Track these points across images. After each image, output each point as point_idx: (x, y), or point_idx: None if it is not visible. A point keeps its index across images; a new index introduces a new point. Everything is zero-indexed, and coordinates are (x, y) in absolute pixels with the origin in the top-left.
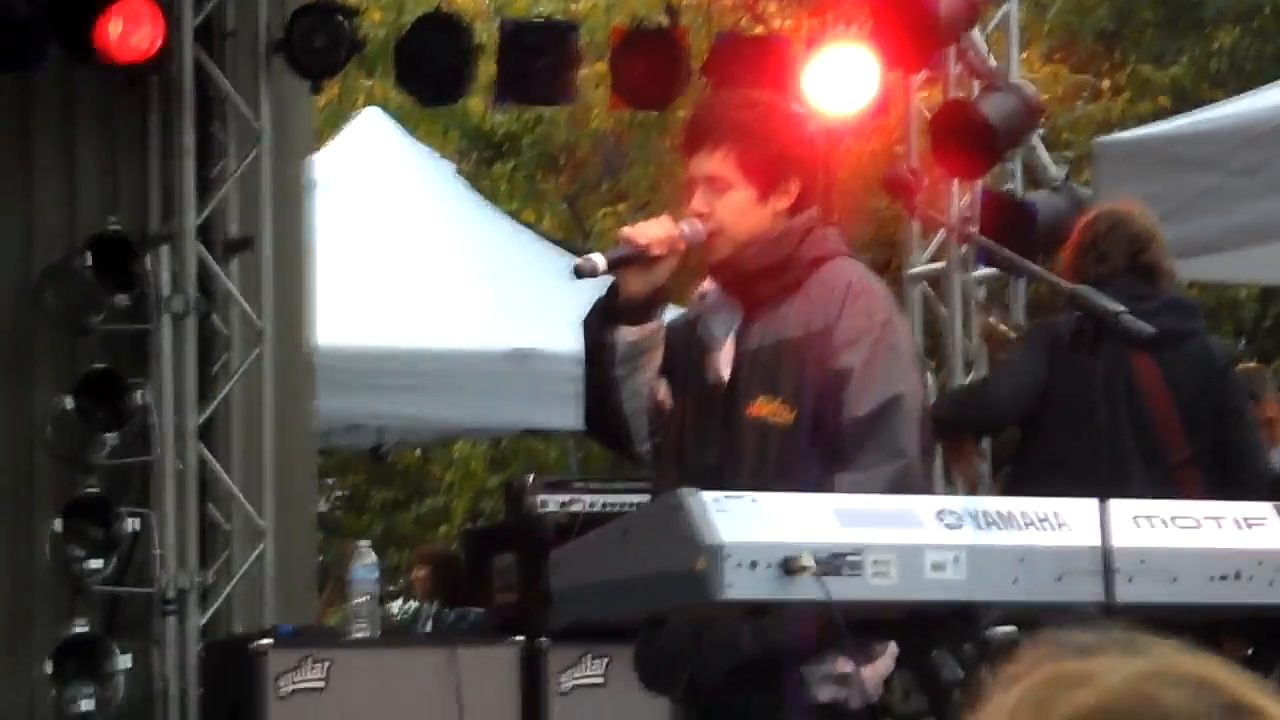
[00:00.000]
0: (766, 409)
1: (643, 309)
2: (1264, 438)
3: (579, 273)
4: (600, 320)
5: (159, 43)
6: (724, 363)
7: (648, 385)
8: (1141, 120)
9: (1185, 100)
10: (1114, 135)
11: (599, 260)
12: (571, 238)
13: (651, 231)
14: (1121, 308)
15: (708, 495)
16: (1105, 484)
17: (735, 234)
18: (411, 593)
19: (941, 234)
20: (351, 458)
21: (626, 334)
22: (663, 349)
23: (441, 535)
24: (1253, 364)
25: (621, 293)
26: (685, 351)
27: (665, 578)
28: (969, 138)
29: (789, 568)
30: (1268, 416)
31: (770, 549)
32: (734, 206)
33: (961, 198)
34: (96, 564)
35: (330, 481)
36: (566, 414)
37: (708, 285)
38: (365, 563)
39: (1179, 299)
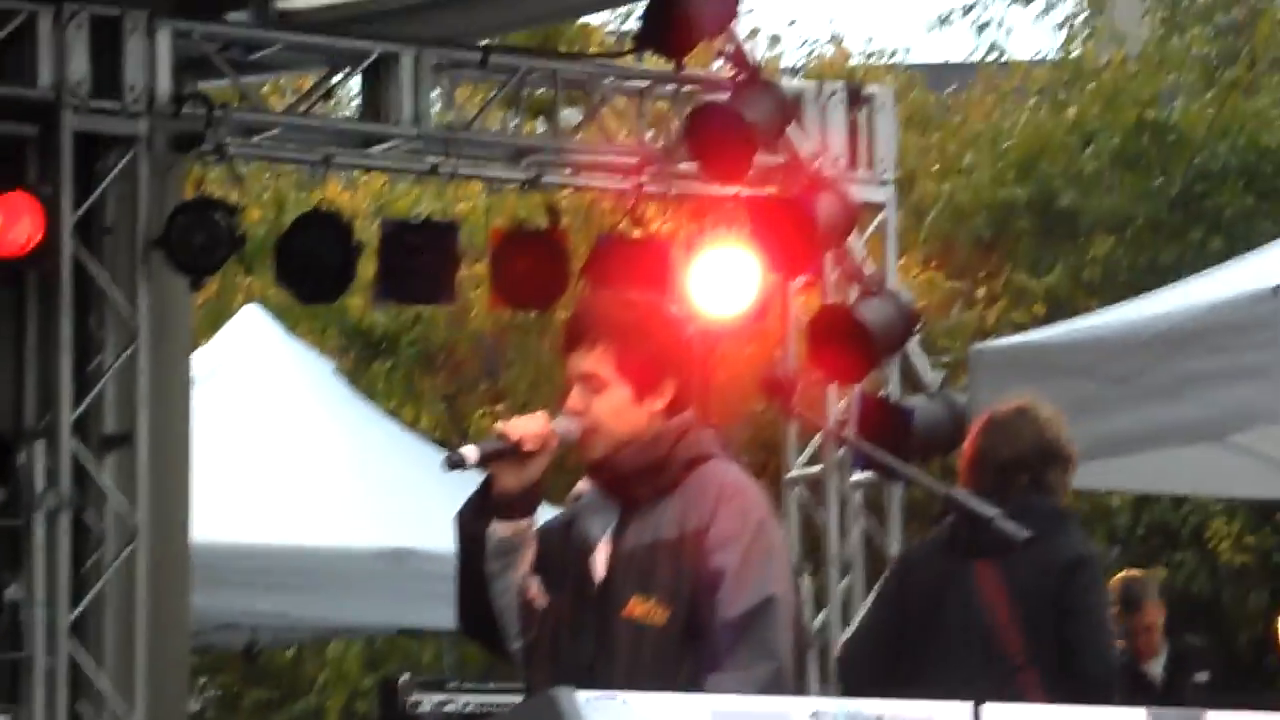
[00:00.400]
0: (640, 609)
1: (516, 505)
2: (1144, 644)
3: (450, 464)
4: (473, 515)
5: (38, 237)
6: (600, 562)
7: (519, 582)
8: (1017, 328)
9: (1060, 309)
10: (990, 341)
11: (470, 453)
12: (449, 437)
13: (525, 427)
14: (995, 511)
15: (580, 695)
16: (958, 687)
17: (610, 432)
18: None
19: (819, 438)
20: (225, 656)
21: (499, 529)
22: (535, 546)
23: None
24: (1136, 571)
25: (495, 488)
26: (561, 551)
27: None
28: (847, 342)
29: None
30: (1147, 624)
31: None
32: (610, 405)
33: (839, 401)
34: None
35: (202, 680)
36: (443, 613)
37: (584, 485)
38: None
39: (1026, 502)
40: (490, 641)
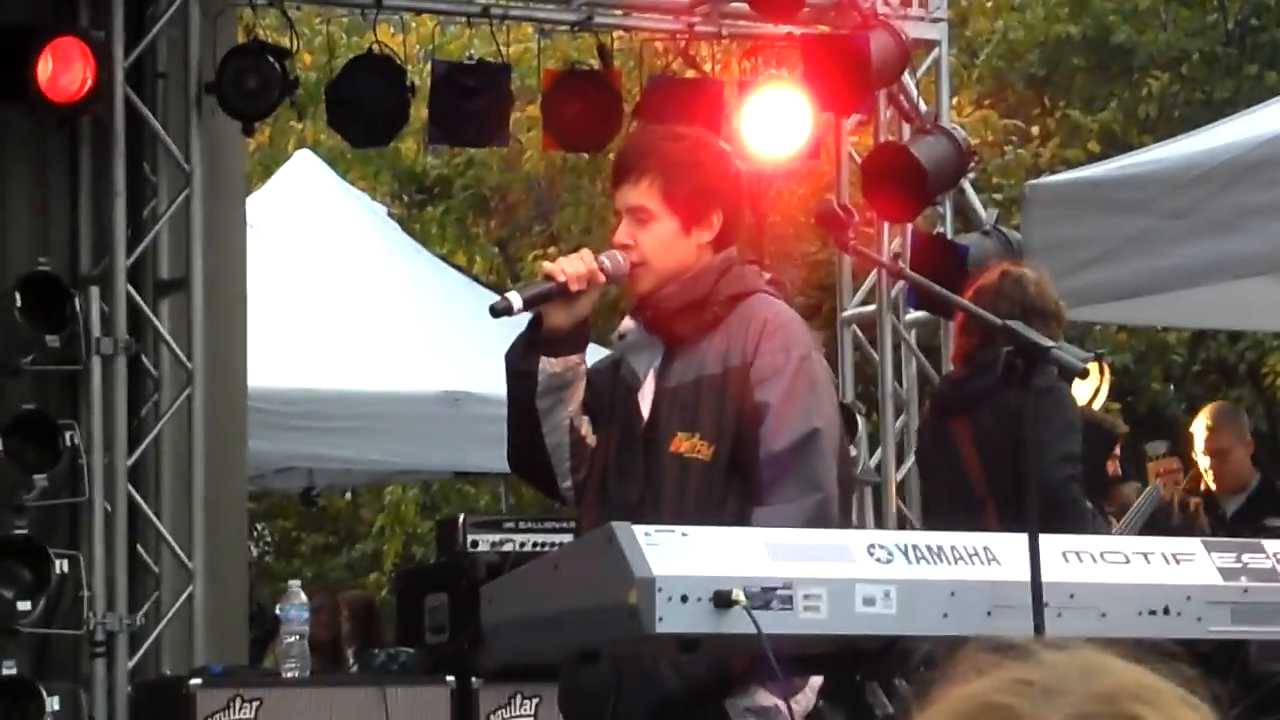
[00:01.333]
0: (685, 445)
1: (566, 341)
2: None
3: (495, 312)
4: (523, 351)
5: (90, 83)
6: (645, 400)
7: (569, 419)
8: (1071, 165)
9: (1115, 146)
10: (1044, 179)
11: (515, 299)
12: (503, 281)
13: (571, 267)
14: (1051, 342)
15: (638, 529)
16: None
17: (658, 266)
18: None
19: (873, 278)
20: (281, 502)
21: (548, 365)
22: (584, 384)
23: (372, 582)
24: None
25: (544, 325)
26: (609, 391)
27: (597, 612)
28: (900, 181)
29: (720, 601)
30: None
31: (702, 583)
32: (657, 237)
33: (892, 240)
34: (25, 605)
35: (260, 526)
36: (499, 457)
37: (627, 324)
38: (295, 603)
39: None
40: (542, 480)
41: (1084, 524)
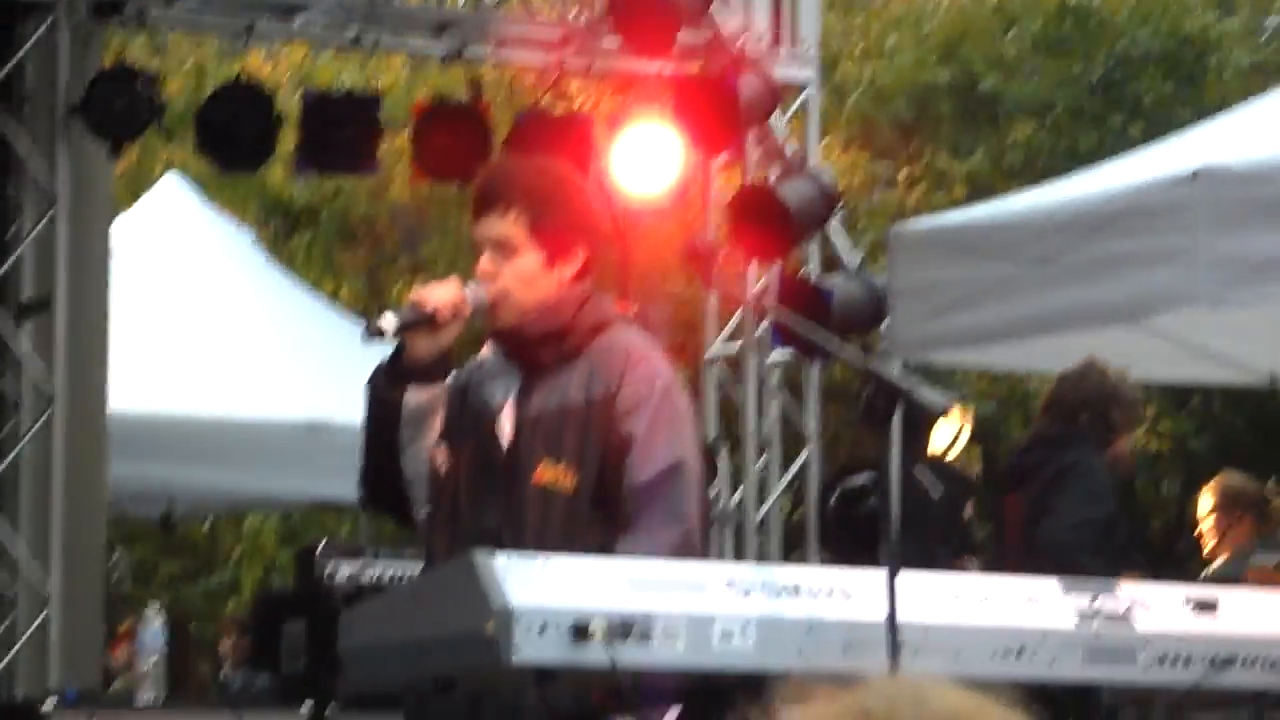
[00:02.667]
0: (549, 474)
1: (430, 371)
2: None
3: (370, 333)
4: (387, 381)
5: None
6: (503, 427)
7: (428, 449)
8: (937, 211)
9: (981, 192)
10: (910, 223)
11: (388, 323)
12: (369, 310)
13: (439, 295)
14: (912, 382)
15: (498, 558)
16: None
17: (521, 299)
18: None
19: (739, 316)
20: (140, 527)
21: (413, 396)
22: (442, 414)
23: (230, 610)
24: None
25: (408, 354)
26: (457, 417)
27: (455, 640)
28: (768, 220)
29: (578, 633)
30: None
31: (560, 614)
32: (521, 270)
33: (758, 281)
34: None
35: (117, 552)
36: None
37: (486, 351)
38: (153, 626)
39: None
40: (395, 508)
41: None
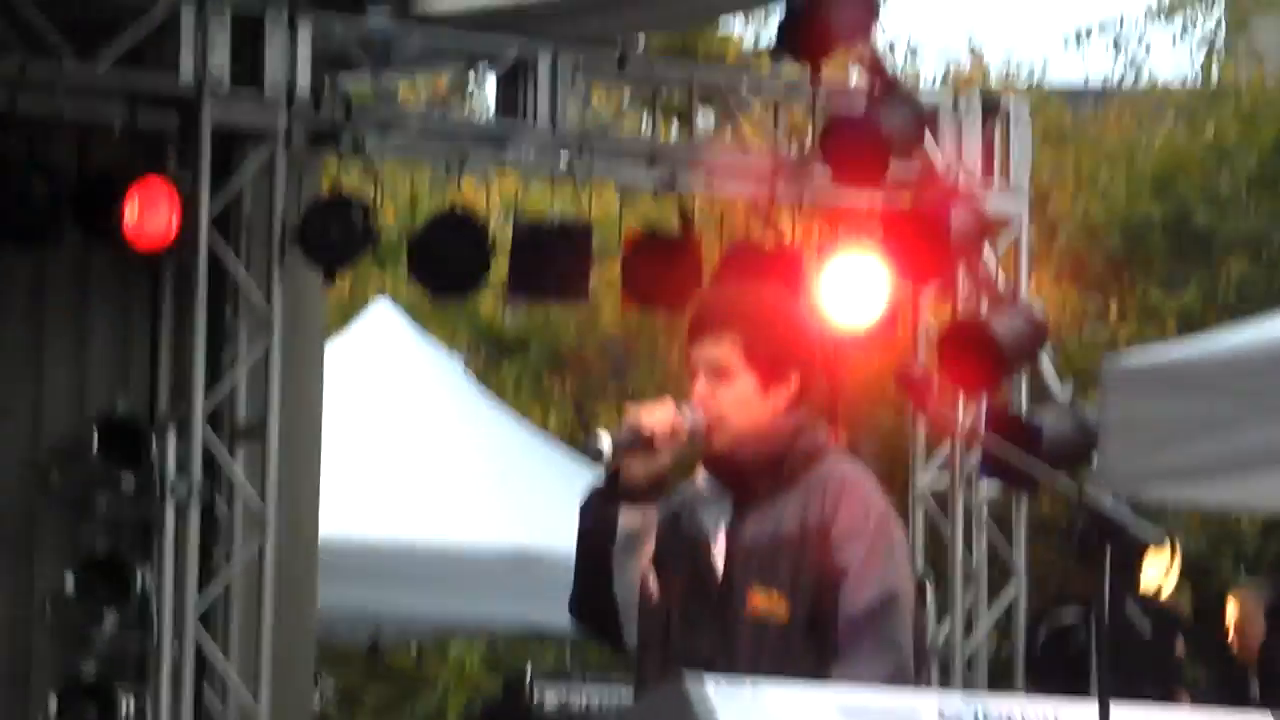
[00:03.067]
0: (764, 603)
1: (644, 493)
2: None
3: (588, 452)
4: (602, 502)
5: (175, 227)
6: (717, 555)
7: (640, 573)
8: (1147, 345)
9: (1193, 328)
10: (1122, 356)
11: (605, 443)
12: (576, 439)
13: (656, 417)
14: (1128, 519)
15: (709, 683)
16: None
17: (735, 423)
18: None
19: (947, 449)
20: (346, 653)
21: (627, 519)
22: (655, 536)
23: None
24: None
25: (624, 476)
26: (670, 541)
27: None
28: (977, 353)
29: None
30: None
31: None
32: (736, 395)
33: (966, 415)
34: None
35: (322, 677)
36: (567, 615)
37: (699, 477)
38: None
39: None
40: (605, 630)
41: None
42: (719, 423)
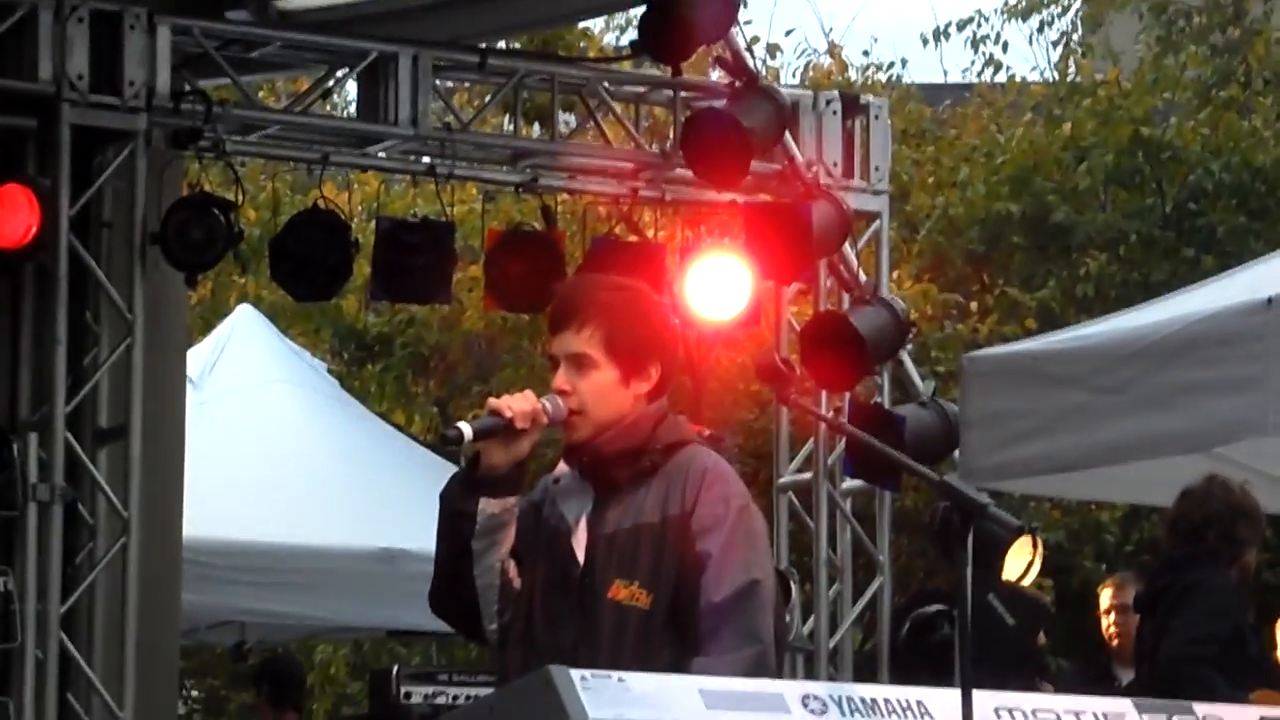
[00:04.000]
0: (624, 592)
1: (504, 482)
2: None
3: (446, 440)
4: (461, 491)
5: (35, 230)
6: (578, 546)
7: (500, 561)
8: (1009, 342)
9: (1052, 323)
10: (982, 351)
11: (466, 429)
12: (441, 444)
13: (517, 405)
14: (988, 500)
15: (575, 673)
16: None
17: (595, 414)
18: None
19: (809, 446)
20: (210, 660)
21: (487, 505)
22: (515, 527)
23: None
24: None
25: (483, 464)
26: (532, 533)
27: None
28: (840, 349)
29: None
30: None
31: None
32: (597, 386)
33: (830, 410)
34: None
35: (187, 684)
36: (432, 615)
37: (561, 469)
38: None
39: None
40: (465, 621)
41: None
42: (580, 413)
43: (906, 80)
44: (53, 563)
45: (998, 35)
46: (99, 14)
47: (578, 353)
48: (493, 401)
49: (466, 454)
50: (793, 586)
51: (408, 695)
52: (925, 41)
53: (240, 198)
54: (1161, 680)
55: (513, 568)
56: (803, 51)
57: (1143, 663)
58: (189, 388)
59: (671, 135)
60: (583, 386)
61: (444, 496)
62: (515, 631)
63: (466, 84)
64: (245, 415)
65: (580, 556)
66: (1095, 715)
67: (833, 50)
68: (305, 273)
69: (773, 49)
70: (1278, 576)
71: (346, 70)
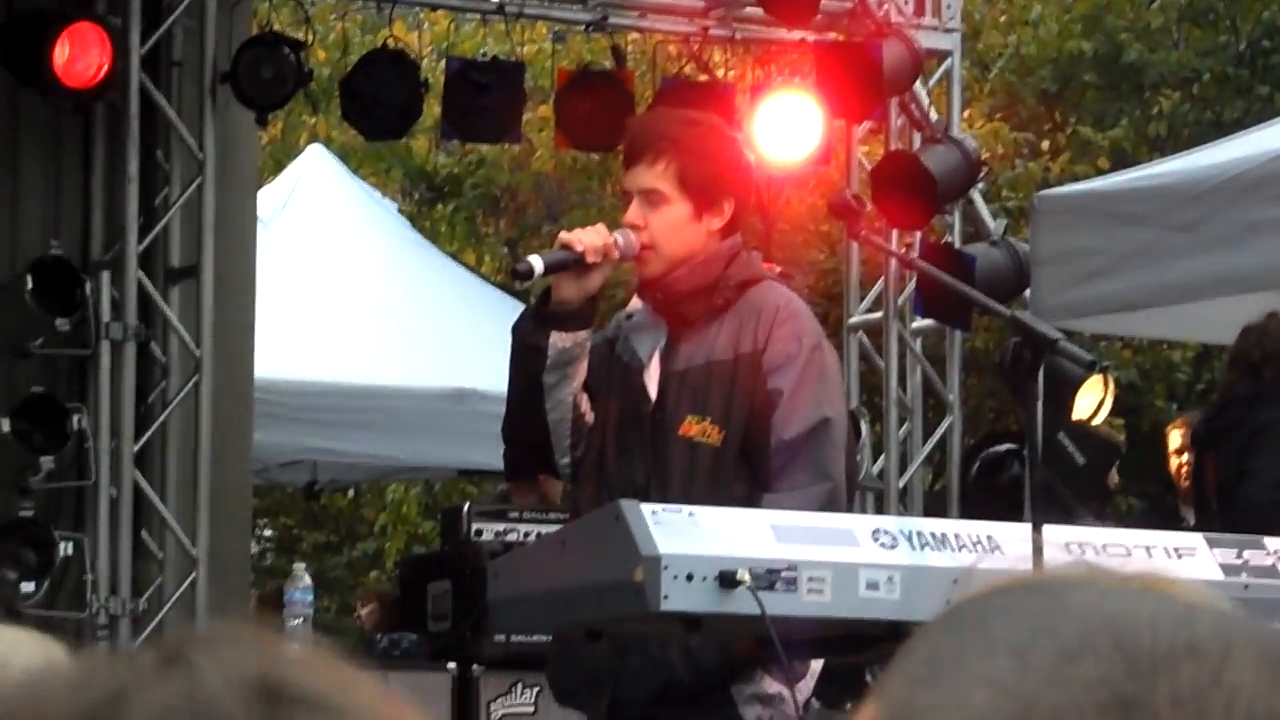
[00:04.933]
0: (695, 429)
1: (575, 316)
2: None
3: (516, 274)
4: (533, 325)
5: (106, 70)
6: (650, 382)
7: (572, 395)
8: (1081, 181)
9: (1124, 163)
10: (1053, 190)
11: (537, 263)
12: (510, 282)
13: (588, 238)
14: (1059, 334)
15: (645, 508)
16: None
17: (667, 249)
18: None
19: (879, 286)
20: (283, 499)
21: (558, 339)
22: (587, 361)
23: (373, 580)
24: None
25: (555, 298)
26: (605, 369)
27: (603, 588)
28: (910, 189)
29: (725, 581)
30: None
31: (707, 562)
32: (669, 221)
33: (901, 248)
34: (29, 587)
35: (260, 523)
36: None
37: (635, 304)
38: (300, 585)
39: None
40: (536, 455)
41: None
42: (651, 248)
43: None
44: (126, 401)
45: None
46: None
47: (650, 187)
48: (564, 235)
49: (536, 290)
50: (863, 426)
51: (479, 533)
52: None
53: (310, 37)
54: (1244, 523)
55: (585, 402)
56: None
57: (1201, 496)
58: (260, 227)
59: None
60: (655, 221)
61: (515, 330)
62: (587, 467)
63: None
64: (316, 255)
65: (653, 393)
66: (1166, 549)
67: None
68: (375, 112)
69: None
70: None
71: None
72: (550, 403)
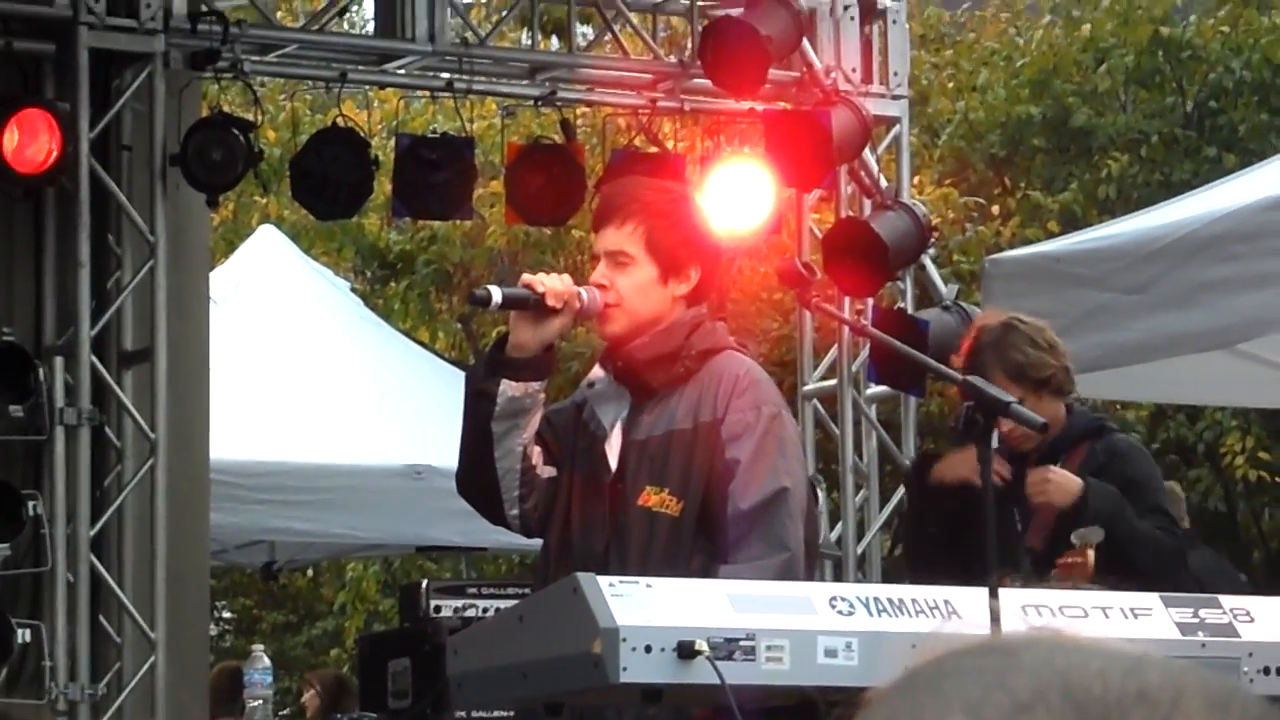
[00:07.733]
0: (654, 499)
1: (529, 365)
2: None
3: (473, 300)
4: (484, 371)
5: (56, 155)
6: (612, 451)
7: (521, 446)
8: (1031, 245)
9: (1074, 225)
10: (1004, 254)
11: (496, 293)
12: (464, 357)
13: (551, 282)
14: (1012, 398)
15: (603, 580)
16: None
17: (632, 310)
18: (302, 715)
19: (833, 354)
20: (241, 579)
21: (509, 388)
22: (540, 414)
23: (333, 659)
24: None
25: (510, 344)
26: (571, 436)
27: (562, 661)
28: (862, 255)
29: (684, 652)
30: None
31: (665, 633)
32: (635, 282)
33: (852, 313)
34: None
35: (220, 605)
36: (461, 530)
37: (597, 372)
38: (259, 666)
39: None
40: (488, 504)
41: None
42: (616, 306)
43: None
44: (81, 486)
45: None
46: None
47: (618, 249)
48: (526, 276)
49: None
50: (819, 494)
51: (437, 609)
52: None
53: (260, 118)
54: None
55: (536, 454)
56: None
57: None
58: (213, 308)
59: (689, 45)
60: (621, 282)
61: (468, 376)
62: (553, 539)
63: None
64: (270, 335)
65: (613, 462)
66: (1123, 610)
67: None
68: (326, 191)
69: None
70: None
71: None
72: (499, 451)
